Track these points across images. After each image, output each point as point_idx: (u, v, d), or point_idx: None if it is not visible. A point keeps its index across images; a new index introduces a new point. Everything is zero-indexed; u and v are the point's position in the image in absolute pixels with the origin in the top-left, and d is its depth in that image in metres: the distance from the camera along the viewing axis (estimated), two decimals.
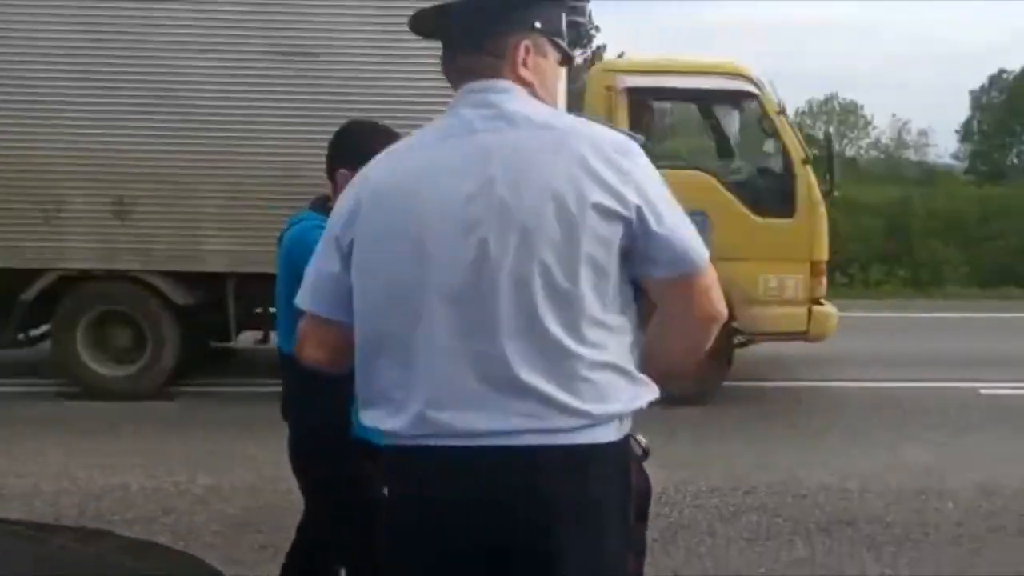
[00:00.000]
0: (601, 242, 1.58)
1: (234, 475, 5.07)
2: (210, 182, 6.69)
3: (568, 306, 1.57)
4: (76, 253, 6.83)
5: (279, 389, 2.89)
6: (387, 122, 2.76)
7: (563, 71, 1.92)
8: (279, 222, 3.12)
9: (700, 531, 4.39)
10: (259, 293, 6.32)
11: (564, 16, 1.82)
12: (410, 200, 1.63)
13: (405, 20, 1.80)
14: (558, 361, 1.57)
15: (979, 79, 40.81)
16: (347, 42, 6.66)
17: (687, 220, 1.67)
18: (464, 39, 1.74)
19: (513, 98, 1.69)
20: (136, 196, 6.72)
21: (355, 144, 2.54)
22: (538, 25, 1.74)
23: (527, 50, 1.73)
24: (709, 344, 1.75)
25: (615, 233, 1.59)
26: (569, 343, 1.57)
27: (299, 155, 6.16)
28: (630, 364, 1.65)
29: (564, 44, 1.83)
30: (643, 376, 1.68)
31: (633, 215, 1.60)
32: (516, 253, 1.57)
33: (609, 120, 5.32)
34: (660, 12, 59.01)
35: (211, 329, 7.39)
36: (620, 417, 1.65)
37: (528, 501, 1.57)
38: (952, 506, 4.74)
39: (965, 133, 40.05)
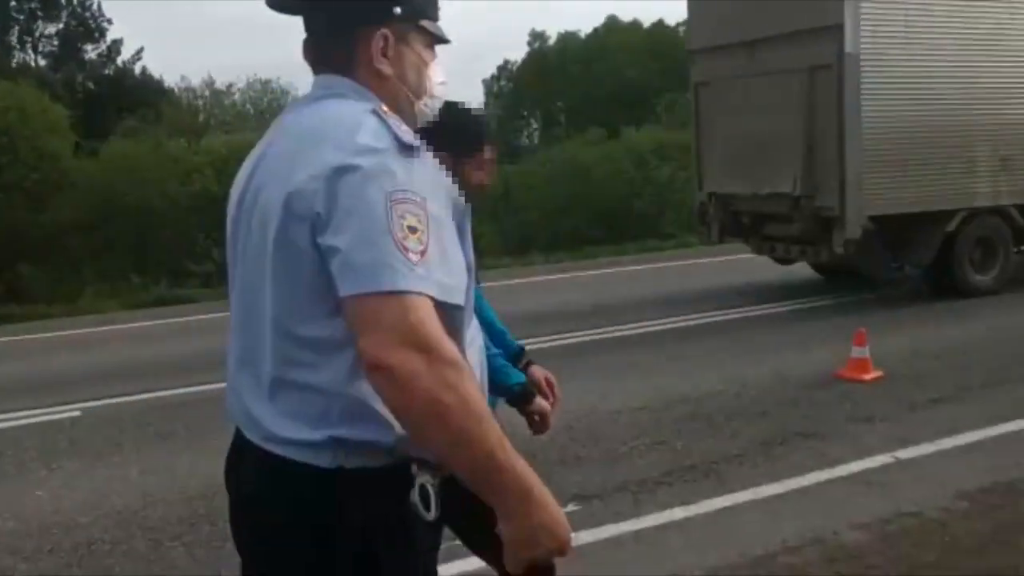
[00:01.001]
0: None
1: None
2: None
3: None
4: (979, 197, 9.91)
5: None
6: None
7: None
8: None
9: None
10: None
11: None
12: None
13: None
14: None
15: (489, 69, 47.05)
16: None
17: None
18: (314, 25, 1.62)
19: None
20: (1013, 154, 10.01)
21: None
22: (398, 11, 1.59)
23: (385, 39, 1.58)
24: None
25: None
26: None
27: None
28: None
29: (434, 27, 1.67)
30: None
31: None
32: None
33: None
34: None
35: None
36: None
37: None
38: None
39: None
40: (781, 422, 5.77)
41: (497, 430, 1.44)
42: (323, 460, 1.50)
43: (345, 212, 1.42)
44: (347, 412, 1.50)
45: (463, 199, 1.61)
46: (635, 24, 41.10)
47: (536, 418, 2.59)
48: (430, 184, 1.50)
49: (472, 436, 1.40)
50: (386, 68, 1.60)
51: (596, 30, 42.05)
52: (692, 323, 9.25)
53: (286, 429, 1.52)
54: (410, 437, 1.45)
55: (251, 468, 1.58)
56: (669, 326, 9.12)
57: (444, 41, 1.71)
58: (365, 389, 1.46)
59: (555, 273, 13.99)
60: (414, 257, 1.41)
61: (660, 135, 22.06)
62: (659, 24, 39.12)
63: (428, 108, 1.71)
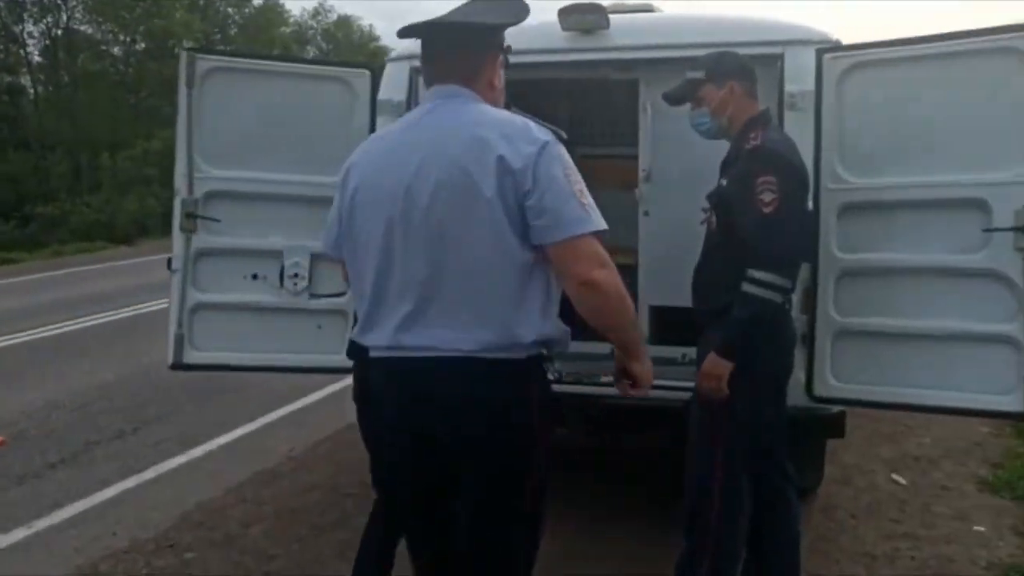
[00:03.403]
0: None
1: None
2: None
3: None
4: None
5: None
6: None
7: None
8: None
9: None
10: None
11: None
12: None
13: None
14: None
15: None
16: None
17: None
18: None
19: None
20: None
21: None
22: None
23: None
24: None
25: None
26: None
27: None
28: None
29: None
30: None
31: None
32: None
33: None
34: None
35: None
36: None
37: None
38: None
39: None
40: None
41: None
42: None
43: (547, 182, 2.15)
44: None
45: None
46: None
47: None
48: (571, 161, 2.25)
49: (632, 316, 2.34)
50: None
51: None
52: None
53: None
54: (598, 324, 2.27)
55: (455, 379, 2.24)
56: None
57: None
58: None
59: None
60: (588, 208, 2.18)
61: None
62: None
63: None
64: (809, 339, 3.51)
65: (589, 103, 4.85)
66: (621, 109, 3.99)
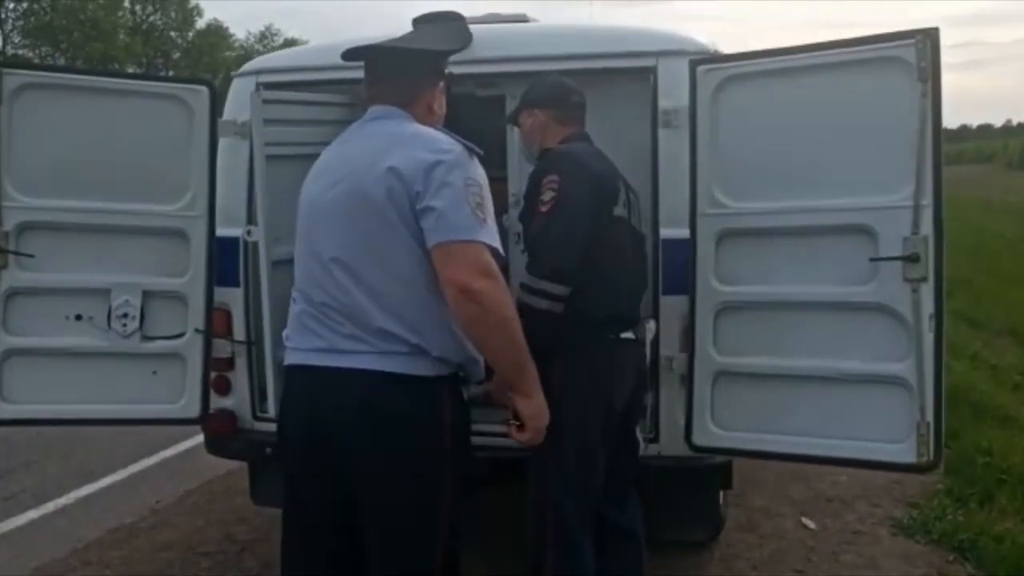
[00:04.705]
0: None
1: None
2: None
3: None
4: None
5: None
6: None
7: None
8: None
9: None
10: None
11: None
12: None
13: None
14: None
15: None
16: None
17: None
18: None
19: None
20: None
21: None
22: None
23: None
24: None
25: None
26: None
27: None
28: None
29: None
30: None
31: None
32: None
33: None
34: None
35: None
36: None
37: None
38: None
39: None
40: None
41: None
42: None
43: (439, 186, 2.15)
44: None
45: None
46: None
47: None
48: (482, 176, 2.25)
49: (519, 342, 2.23)
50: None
51: None
52: None
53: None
54: (476, 341, 2.22)
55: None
56: None
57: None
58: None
59: None
60: (484, 221, 2.17)
61: None
62: None
63: None
64: (688, 381, 3.16)
65: (452, 122, 4.48)
66: (488, 128, 3.64)
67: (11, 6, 41.53)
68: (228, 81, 3.90)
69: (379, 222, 2.17)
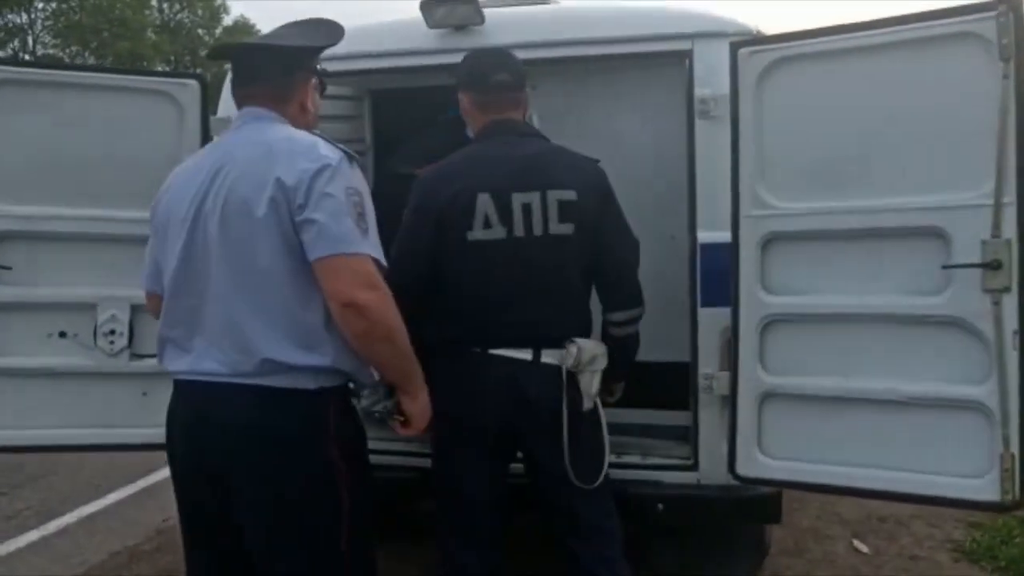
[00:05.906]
0: None
1: None
2: None
3: None
4: None
5: None
6: None
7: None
8: None
9: None
10: None
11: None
12: None
13: None
14: None
15: None
16: None
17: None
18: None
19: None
20: None
21: None
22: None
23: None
24: None
25: None
26: None
27: None
28: None
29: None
30: None
31: None
32: None
33: None
34: None
35: None
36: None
37: None
38: None
39: None
40: None
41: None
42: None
43: (319, 197, 2.08)
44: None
45: None
46: None
47: None
48: (362, 184, 2.20)
49: (406, 347, 2.21)
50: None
51: None
52: None
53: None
54: (364, 353, 2.18)
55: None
56: None
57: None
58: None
59: None
60: (366, 232, 2.12)
61: None
62: None
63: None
64: (731, 403, 2.81)
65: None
66: None
67: (40, 6, 41.77)
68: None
69: (259, 233, 2.11)
